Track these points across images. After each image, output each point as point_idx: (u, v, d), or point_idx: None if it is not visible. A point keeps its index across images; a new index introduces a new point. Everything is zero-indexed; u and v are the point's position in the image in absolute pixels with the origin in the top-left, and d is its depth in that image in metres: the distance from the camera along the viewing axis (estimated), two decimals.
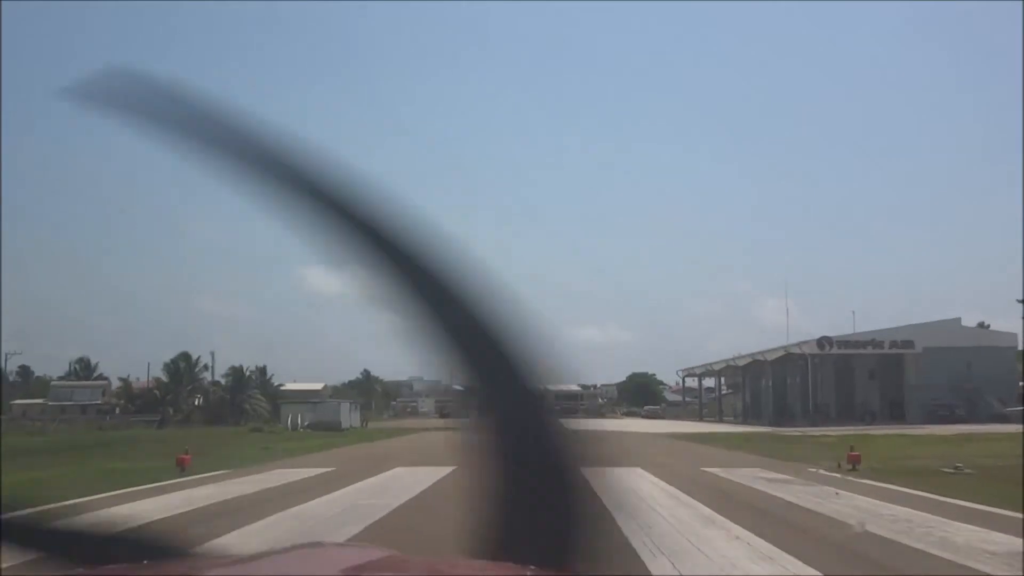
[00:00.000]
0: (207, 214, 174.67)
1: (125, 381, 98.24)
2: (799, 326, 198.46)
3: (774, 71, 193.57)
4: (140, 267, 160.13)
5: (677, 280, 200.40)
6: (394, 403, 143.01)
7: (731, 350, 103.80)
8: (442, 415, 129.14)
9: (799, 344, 67.46)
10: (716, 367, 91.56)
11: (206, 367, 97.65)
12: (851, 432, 48.26)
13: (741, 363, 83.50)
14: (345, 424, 67.07)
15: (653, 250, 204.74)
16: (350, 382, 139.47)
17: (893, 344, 66.56)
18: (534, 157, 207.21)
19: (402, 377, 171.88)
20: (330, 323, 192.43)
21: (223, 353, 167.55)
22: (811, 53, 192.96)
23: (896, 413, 68.06)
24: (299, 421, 66.34)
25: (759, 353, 78.46)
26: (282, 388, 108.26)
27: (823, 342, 66.63)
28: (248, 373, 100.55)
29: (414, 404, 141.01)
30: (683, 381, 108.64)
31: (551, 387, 1.43)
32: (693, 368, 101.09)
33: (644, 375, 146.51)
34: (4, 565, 1.69)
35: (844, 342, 67.15)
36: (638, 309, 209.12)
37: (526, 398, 1.42)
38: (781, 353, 71.84)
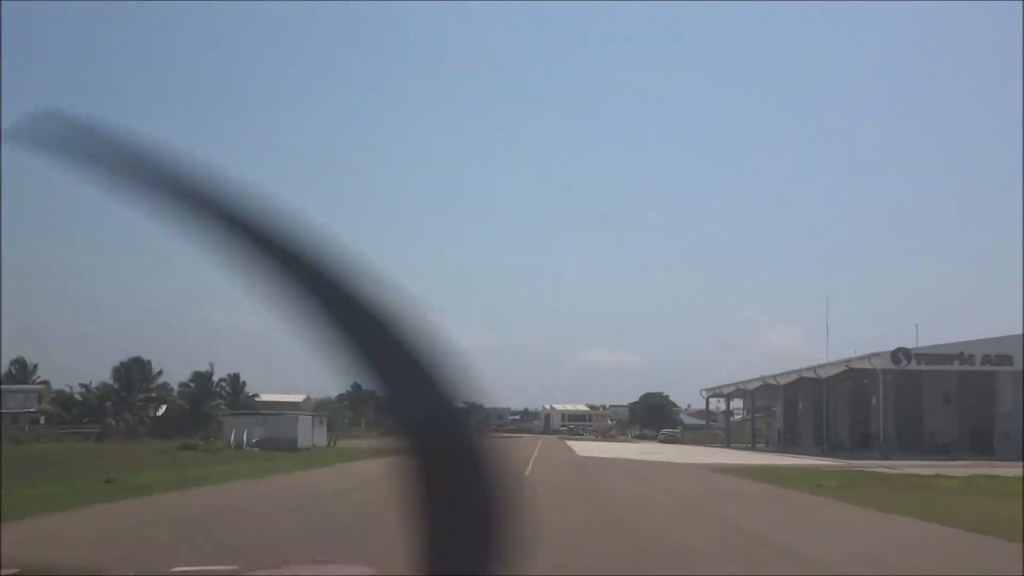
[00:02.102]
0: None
1: (89, 388, 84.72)
2: (808, 354, 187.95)
3: (784, 92, 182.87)
4: (145, 275, 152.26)
5: (684, 305, 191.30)
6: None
7: (737, 376, 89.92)
8: None
9: (868, 357, 53.18)
10: (750, 386, 77.16)
11: (160, 373, 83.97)
12: (967, 471, 34.42)
13: (783, 381, 69.23)
14: (303, 443, 53.11)
15: (661, 274, 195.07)
16: (341, 395, 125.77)
17: (986, 359, 52.23)
18: (536, 181, 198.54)
19: None
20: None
21: (228, 365, 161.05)
22: (812, 66, 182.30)
23: (981, 445, 53.86)
24: (244, 438, 52.43)
25: (807, 369, 64.18)
26: (256, 399, 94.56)
27: (899, 355, 52.37)
28: (216, 381, 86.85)
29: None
30: (707, 402, 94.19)
31: (478, 403, 1.44)
32: (721, 387, 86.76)
33: (658, 395, 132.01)
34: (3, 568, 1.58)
35: (925, 356, 52.85)
36: (646, 333, 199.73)
37: (447, 411, 1.37)
38: (841, 368, 57.59)
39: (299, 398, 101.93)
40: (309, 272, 1.34)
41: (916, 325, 79.19)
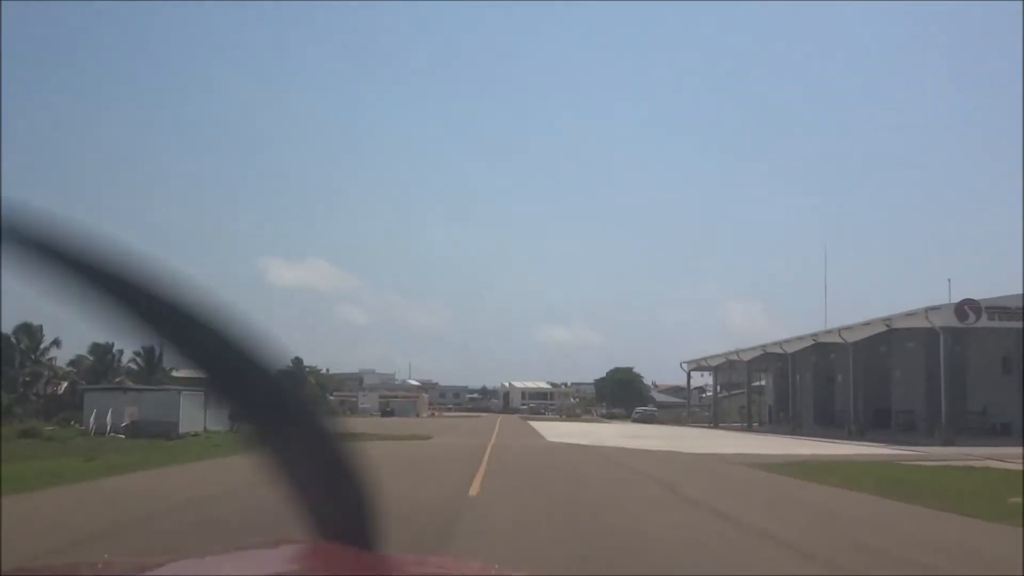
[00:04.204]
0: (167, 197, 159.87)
1: None
2: (767, 330, 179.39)
3: (758, 74, 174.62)
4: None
5: (644, 283, 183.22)
6: (331, 398, 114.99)
7: (700, 352, 77.69)
8: (384, 413, 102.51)
9: (924, 312, 40.19)
10: (744, 356, 64.28)
11: (57, 345, 69.73)
12: None
13: (790, 348, 56.37)
14: (189, 427, 39.42)
15: (621, 253, 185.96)
16: (278, 372, 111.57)
17: None
18: (504, 157, 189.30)
19: (351, 370, 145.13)
20: (276, 312, 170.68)
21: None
22: (796, 55, 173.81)
23: None
24: (108, 421, 38.77)
25: (824, 333, 51.36)
26: (173, 373, 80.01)
27: (965, 309, 39.41)
28: (114, 353, 72.60)
29: (354, 399, 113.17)
30: (688, 376, 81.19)
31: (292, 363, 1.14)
32: (706, 359, 73.89)
33: (627, 371, 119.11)
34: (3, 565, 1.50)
35: (999, 309, 39.83)
36: (605, 309, 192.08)
37: (273, 384, 1.45)
38: (879, 329, 44.61)
39: None
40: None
41: (949, 280, 66.68)
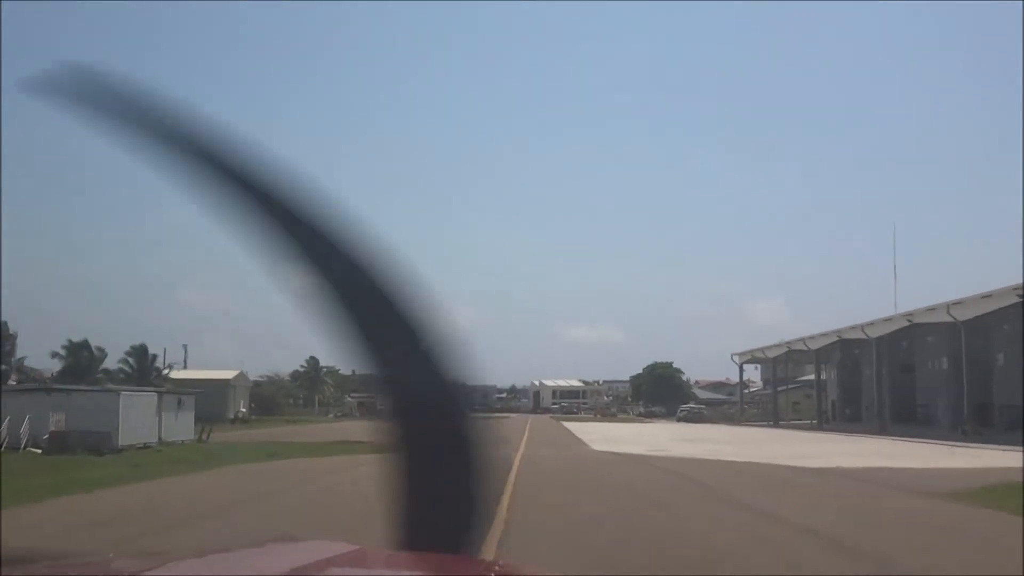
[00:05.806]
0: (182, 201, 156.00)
1: None
2: (793, 327, 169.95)
3: (770, 72, 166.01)
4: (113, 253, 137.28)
5: (666, 279, 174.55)
6: (349, 399, 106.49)
7: (727, 349, 68.08)
8: None
9: None
10: (812, 343, 54.46)
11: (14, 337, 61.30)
12: None
13: (874, 333, 46.60)
14: (136, 437, 30.67)
15: (643, 251, 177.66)
16: (295, 373, 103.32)
17: None
18: (525, 157, 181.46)
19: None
20: (300, 314, 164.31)
21: (202, 348, 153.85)
22: (807, 51, 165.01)
23: None
24: (25, 430, 29.89)
25: (923, 311, 41.63)
26: (167, 375, 71.37)
27: None
28: (93, 352, 64.15)
29: (372, 401, 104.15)
30: (741, 369, 71.20)
31: (465, 380, 1.44)
32: (763, 349, 64.16)
33: (667, 366, 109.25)
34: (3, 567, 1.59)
35: None
36: (629, 309, 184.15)
37: (439, 388, 1.41)
38: (1010, 300, 34.78)
39: (229, 374, 78.78)
40: (311, 235, 1.31)
41: None
